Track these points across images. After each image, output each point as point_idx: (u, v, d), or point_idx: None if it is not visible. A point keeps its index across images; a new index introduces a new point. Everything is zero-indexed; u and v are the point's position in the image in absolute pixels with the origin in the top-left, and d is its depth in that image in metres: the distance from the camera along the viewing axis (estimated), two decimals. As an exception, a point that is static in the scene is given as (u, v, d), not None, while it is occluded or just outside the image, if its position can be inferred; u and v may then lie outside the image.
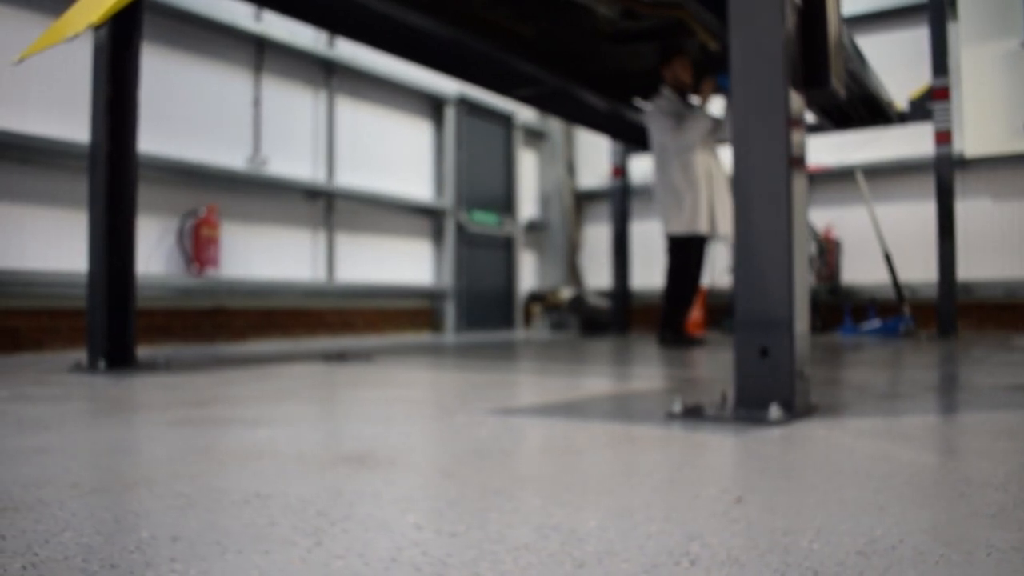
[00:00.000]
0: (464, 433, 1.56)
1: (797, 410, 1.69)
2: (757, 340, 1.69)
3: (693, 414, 1.72)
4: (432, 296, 6.67)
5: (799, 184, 1.73)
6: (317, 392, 2.40)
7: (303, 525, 0.90)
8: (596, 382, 2.74)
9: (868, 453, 1.35)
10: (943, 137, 5.25)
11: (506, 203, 7.42)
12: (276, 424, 1.71)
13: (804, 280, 1.75)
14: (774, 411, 1.63)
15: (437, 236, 6.81)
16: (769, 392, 1.68)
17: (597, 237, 7.93)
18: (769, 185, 1.69)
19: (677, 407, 1.73)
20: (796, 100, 1.75)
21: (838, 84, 1.88)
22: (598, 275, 7.84)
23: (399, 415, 1.84)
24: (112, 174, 3.18)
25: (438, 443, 1.45)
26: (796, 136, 1.73)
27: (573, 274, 8.04)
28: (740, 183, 1.72)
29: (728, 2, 1.73)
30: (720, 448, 1.41)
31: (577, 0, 3.98)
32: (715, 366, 3.35)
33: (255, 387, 2.47)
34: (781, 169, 1.68)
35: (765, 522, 0.92)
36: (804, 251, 1.75)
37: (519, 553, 0.80)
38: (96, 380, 2.71)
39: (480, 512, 0.95)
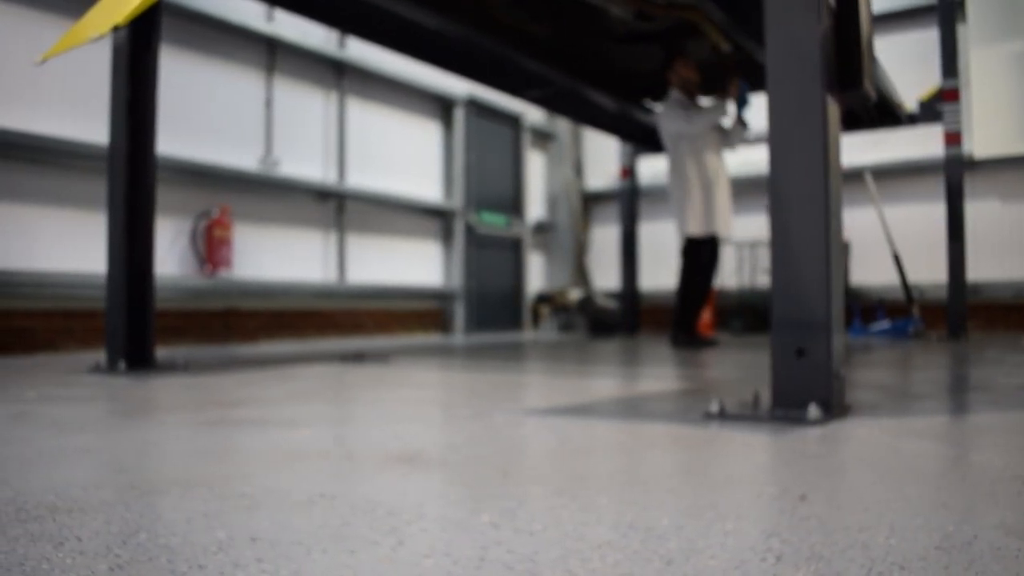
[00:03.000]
0: (506, 433, 1.56)
1: (834, 410, 1.70)
2: (794, 340, 1.70)
3: (730, 414, 1.73)
4: (441, 297, 6.68)
5: (835, 186, 1.74)
6: (344, 393, 2.40)
7: (378, 525, 0.90)
8: (620, 383, 2.74)
9: (916, 452, 1.36)
10: (953, 138, 5.27)
11: (514, 204, 7.43)
12: (314, 425, 1.71)
13: (840, 281, 1.75)
14: (813, 411, 1.64)
15: (446, 237, 6.81)
16: (807, 392, 1.68)
17: (605, 238, 7.94)
18: (806, 187, 1.69)
19: (714, 407, 1.74)
20: (832, 102, 1.75)
21: (870, 86, 1.89)
22: (606, 276, 7.85)
23: (434, 416, 1.84)
24: (131, 175, 3.18)
25: (484, 443, 1.46)
26: (832, 138, 1.74)
27: (580, 275, 8.04)
28: (777, 185, 1.73)
29: (765, 5, 1.74)
30: (767, 447, 1.42)
31: (590, 1, 3.99)
32: (731, 366, 3.36)
33: (281, 388, 2.47)
34: (818, 171, 1.69)
35: (836, 519, 0.92)
36: (840, 252, 1.76)
37: (604, 551, 0.80)
38: (118, 381, 2.71)
39: (551, 511, 0.96)
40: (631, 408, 2.01)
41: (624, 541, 0.83)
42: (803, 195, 1.69)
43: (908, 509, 0.97)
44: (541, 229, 8.00)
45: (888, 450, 1.38)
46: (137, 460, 1.35)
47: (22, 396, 2.25)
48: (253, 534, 0.87)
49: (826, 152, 1.69)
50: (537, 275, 7.99)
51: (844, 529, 0.88)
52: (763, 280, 6.91)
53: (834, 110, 1.77)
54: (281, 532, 0.88)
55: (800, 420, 1.65)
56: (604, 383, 2.72)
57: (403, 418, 1.81)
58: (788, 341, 1.71)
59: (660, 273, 7.26)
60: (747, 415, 1.72)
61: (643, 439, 1.47)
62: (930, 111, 5.30)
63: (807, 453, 1.36)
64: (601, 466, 1.24)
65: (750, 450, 1.39)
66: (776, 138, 1.73)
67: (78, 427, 1.73)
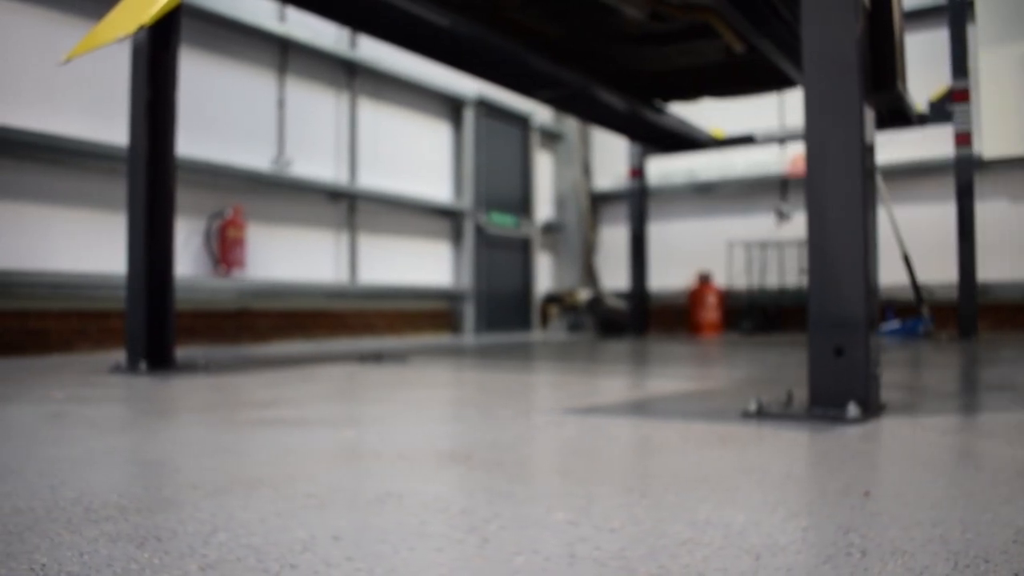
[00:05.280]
0: (550, 433, 1.57)
1: (871, 409, 1.71)
2: (832, 340, 1.71)
3: (769, 413, 1.74)
4: (452, 297, 6.68)
5: (871, 185, 1.75)
6: (372, 393, 2.41)
7: (456, 523, 0.91)
8: (645, 383, 2.75)
9: (964, 449, 1.37)
10: (963, 139, 5.28)
11: (523, 204, 7.44)
12: (354, 425, 1.72)
13: (876, 281, 1.76)
14: (852, 410, 1.65)
15: (456, 237, 6.82)
16: (845, 391, 1.69)
17: (613, 238, 7.95)
18: (844, 187, 1.70)
19: (752, 406, 1.75)
20: (867, 103, 1.76)
21: (903, 87, 1.90)
22: (614, 276, 7.86)
23: (472, 416, 1.85)
24: (151, 176, 3.19)
25: (531, 442, 1.46)
26: (869, 138, 1.74)
27: (589, 275, 8.05)
28: (815, 186, 1.74)
29: (802, 6, 1.75)
30: (814, 445, 1.42)
31: (605, 2, 3.99)
32: (749, 366, 3.37)
33: (308, 388, 2.48)
34: (856, 171, 1.70)
35: (906, 515, 0.93)
36: (876, 252, 1.77)
37: (689, 547, 0.81)
38: (142, 382, 2.72)
39: (623, 508, 0.97)
40: (666, 408, 2.02)
41: (706, 537, 0.84)
42: (841, 196, 1.70)
43: (973, 504, 0.98)
44: (550, 229, 8.01)
45: (935, 447, 1.39)
46: (188, 460, 1.35)
47: (51, 397, 2.25)
48: (334, 533, 0.88)
49: (863, 153, 1.70)
50: (546, 275, 8.00)
51: (918, 524, 0.89)
52: (772, 280, 6.93)
53: (870, 111, 1.78)
54: (362, 531, 0.89)
55: (839, 419, 1.65)
56: (629, 383, 2.73)
57: (442, 418, 1.82)
58: (826, 340, 1.72)
59: (669, 273, 7.27)
60: (785, 414, 1.73)
61: (690, 438, 1.48)
62: (940, 111, 5.31)
63: (856, 451, 1.37)
64: (657, 464, 1.25)
65: (798, 448, 1.40)
66: (813, 139, 1.74)
67: (118, 427, 1.74)
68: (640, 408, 2.00)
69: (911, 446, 1.40)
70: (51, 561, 0.81)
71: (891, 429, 1.57)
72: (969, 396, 2.24)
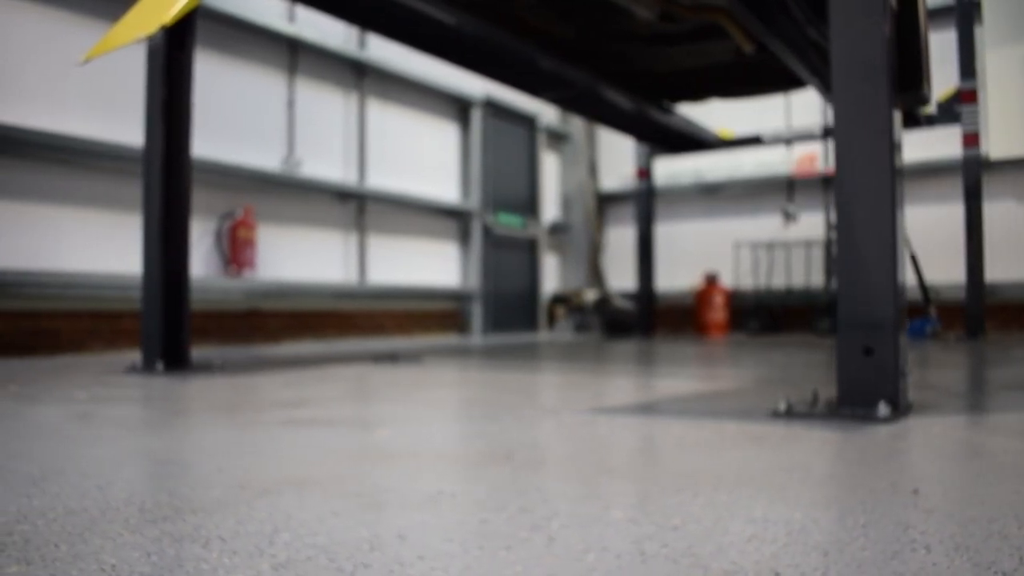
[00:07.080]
0: (583, 432, 1.58)
1: (900, 408, 1.72)
2: (861, 340, 1.72)
3: (798, 412, 1.75)
4: (459, 298, 6.69)
5: (899, 186, 1.76)
6: (394, 392, 2.41)
7: (518, 522, 0.92)
8: (664, 383, 2.76)
9: (998, 448, 1.38)
10: (971, 139, 5.30)
11: (530, 205, 7.45)
12: (386, 425, 1.72)
13: (905, 280, 1.77)
14: (883, 409, 1.66)
15: (463, 238, 6.83)
16: (875, 390, 1.70)
17: (620, 239, 7.96)
18: (873, 188, 1.71)
19: (782, 406, 1.76)
20: (896, 104, 1.77)
21: (928, 88, 1.91)
22: (620, 277, 7.87)
23: (502, 416, 1.85)
24: (167, 176, 3.19)
25: (569, 442, 1.47)
26: (897, 139, 1.75)
27: (595, 276, 8.07)
28: (843, 185, 1.75)
29: (830, 7, 1.76)
30: (849, 445, 1.43)
31: (616, 2, 4.00)
32: (761, 366, 3.38)
33: (328, 388, 2.48)
34: (886, 172, 1.71)
35: (960, 512, 0.94)
36: (904, 252, 1.78)
37: (755, 543, 0.82)
38: (160, 382, 2.72)
39: (679, 506, 0.97)
40: (692, 407, 2.03)
41: (769, 534, 0.85)
42: (870, 196, 1.71)
43: (1023, 502, 0.99)
44: (556, 230, 8.03)
45: (970, 446, 1.40)
46: (228, 460, 1.36)
47: (73, 397, 2.25)
48: (398, 532, 0.88)
49: (892, 154, 1.71)
50: (552, 276, 8.01)
51: (973, 521, 0.90)
52: (778, 281, 6.94)
53: (898, 112, 1.79)
54: (425, 530, 0.89)
55: (870, 418, 1.66)
56: (648, 383, 2.74)
57: (472, 418, 1.82)
58: (855, 340, 1.72)
59: (676, 274, 7.29)
60: (814, 413, 1.74)
61: (725, 437, 1.49)
62: (948, 112, 5.33)
63: (893, 449, 1.37)
64: (699, 464, 1.26)
65: (834, 447, 1.41)
66: (842, 140, 1.75)
67: (148, 428, 1.74)
68: (666, 408, 2.01)
69: (946, 444, 1.41)
70: (120, 562, 0.81)
71: (922, 428, 1.58)
72: (989, 396, 2.25)
